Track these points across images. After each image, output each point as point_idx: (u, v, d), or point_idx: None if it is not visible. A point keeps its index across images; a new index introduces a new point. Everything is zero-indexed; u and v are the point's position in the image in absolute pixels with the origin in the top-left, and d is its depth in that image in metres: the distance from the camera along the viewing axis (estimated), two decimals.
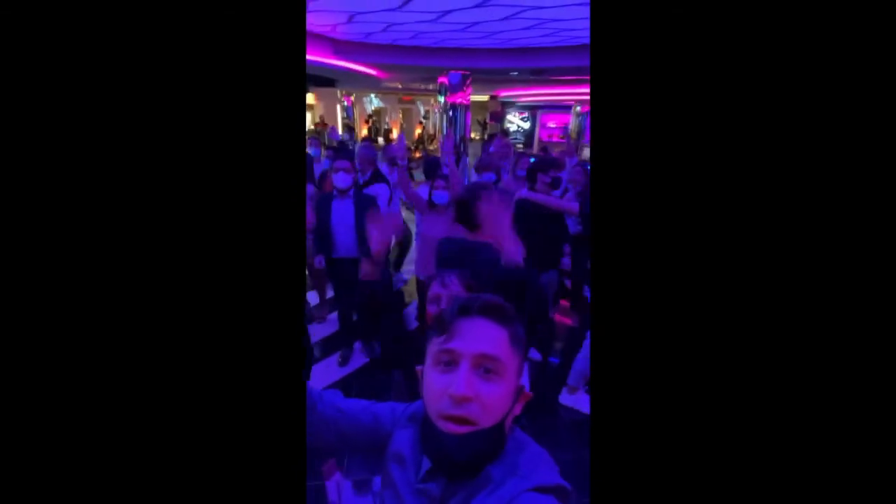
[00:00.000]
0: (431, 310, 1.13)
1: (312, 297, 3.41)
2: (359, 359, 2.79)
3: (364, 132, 11.57)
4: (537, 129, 12.08)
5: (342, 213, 2.50)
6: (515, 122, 12.29)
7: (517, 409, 0.58)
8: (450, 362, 0.55)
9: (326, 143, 5.95)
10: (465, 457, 0.54)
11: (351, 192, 2.52)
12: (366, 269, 2.14)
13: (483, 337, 0.55)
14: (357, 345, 2.85)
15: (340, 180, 2.46)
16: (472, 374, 0.53)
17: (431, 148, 11.14)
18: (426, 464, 0.58)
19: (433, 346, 0.58)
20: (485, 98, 11.10)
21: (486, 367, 0.54)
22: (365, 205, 2.48)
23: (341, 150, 3.82)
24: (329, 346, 2.94)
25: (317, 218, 2.50)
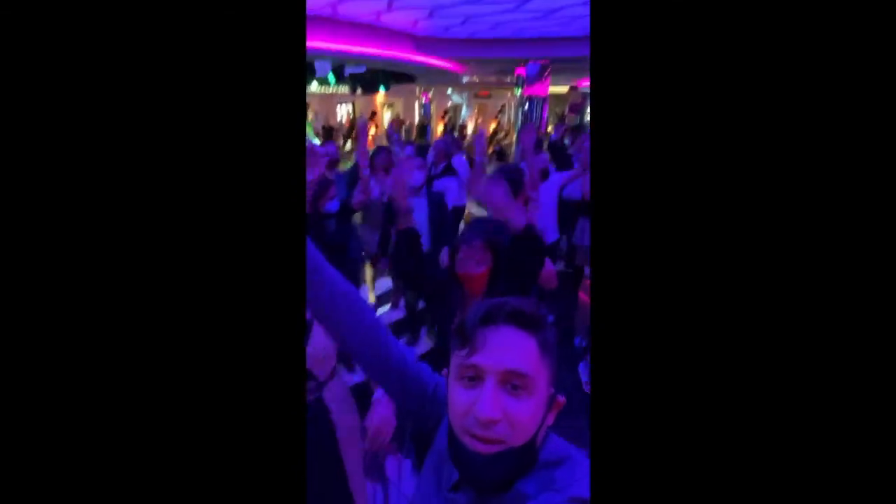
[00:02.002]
0: (459, 269, 1.17)
1: (385, 283, 3.56)
2: (424, 345, 2.86)
3: (440, 129, 11.75)
4: None
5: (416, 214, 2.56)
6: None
7: (550, 419, 0.53)
8: (474, 378, 0.50)
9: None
10: (493, 476, 0.50)
11: (423, 191, 2.57)
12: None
13: (509, 350, 0.50)
14: (423, 330, 2.92)
15: (414, 178, 2.53)
16: (498, 393, 0.49)
17: (506, 143, 10.99)
18: (455, 474, 0.55)
19: (456, 358, 0.53)
20: (565, 89, 10.67)
21: (513, 383, 0.49)
22: (436, 203, 2.52)
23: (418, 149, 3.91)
24: (396, 330, 3.04)
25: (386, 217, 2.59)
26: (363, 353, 0.68)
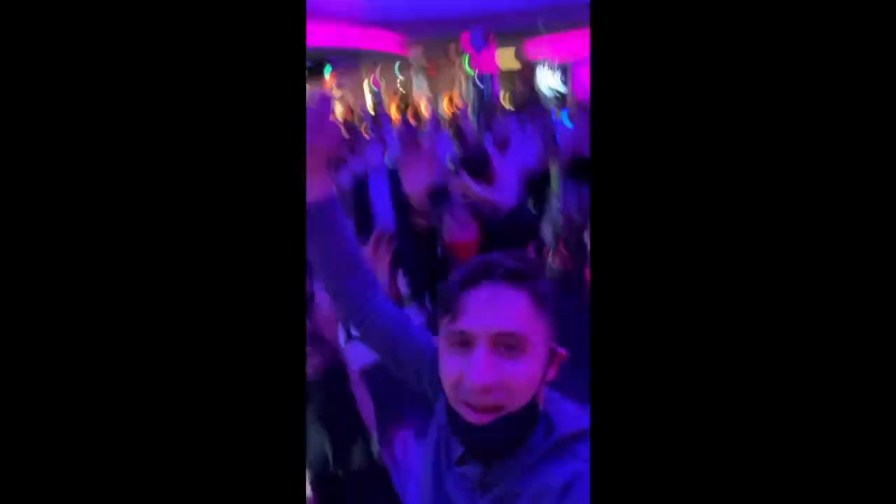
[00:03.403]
0: (447, 237, 1.21)
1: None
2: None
3: (394, 110, 11.53)
4: (571, 86, 11.48)
5: (380, 188, 2.60)
6: (548, 82, 11.73)
7: (551, 374, 0.50)
8: (463, 343, 0.47)
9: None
10: (496, 445, 0.48)
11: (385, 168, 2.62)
12: None
13: (497, 309, 0.46)
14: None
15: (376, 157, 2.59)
16: (490, 357, 0.45)
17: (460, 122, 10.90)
18: (458, 447, 0.52)
19: (443, 327, 0.49)
20: (514, 63, 10.63)
21: (506, 344, 0.45)
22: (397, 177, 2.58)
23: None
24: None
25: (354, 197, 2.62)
26: (359, 315, 0.67)
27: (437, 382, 0.61)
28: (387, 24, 5.60)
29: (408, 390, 0.68)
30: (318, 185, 0.63)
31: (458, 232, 1.19)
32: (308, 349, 0.97)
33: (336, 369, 1.03)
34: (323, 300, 1.02)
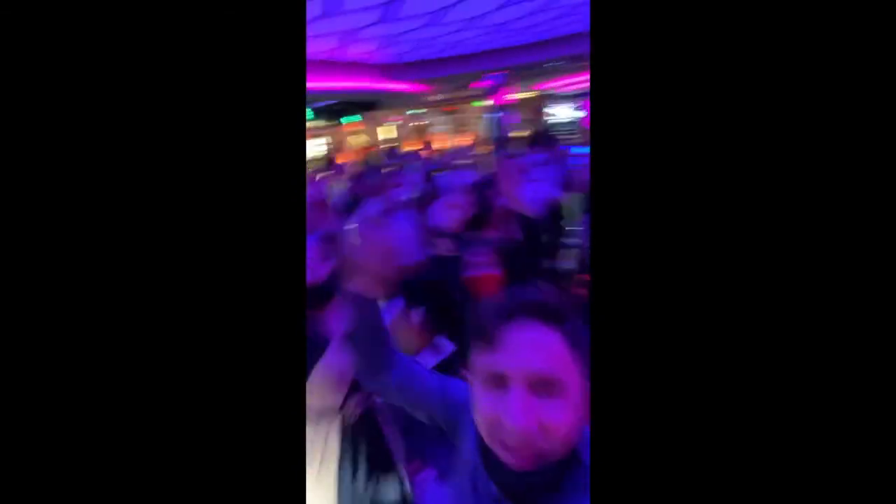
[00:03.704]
0: (469, 273, 1.22)
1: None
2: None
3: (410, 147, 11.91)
4: (586, 117, 11.66)
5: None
6: (563, 113, 11.95)
7: (588, 416, 0.47)
8: (499, 382, 0.45)
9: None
10: (536, 489, 0.45)
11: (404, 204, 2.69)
12: None
13: (533, 349, 0.44)
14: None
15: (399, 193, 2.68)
16: (528, 398, 0.43)
17: (479, 154, 11.15)
18: (493, 489, 0.49)
19: (476, 361, 0.47)
20: (529, 94, 10.93)
21: (544, 385, 0.43)
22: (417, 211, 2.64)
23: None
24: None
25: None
26: (369, 370, 0.68)
27: (452, 422, 0.61)
28: (404, 65, 5.90)
29: (430, 430, 0.67)
30: (381, 289, 0.66)
31: (482, 268, 1.21)
32: (347, 395, 1.02)
33: (370, 413, 1.06)
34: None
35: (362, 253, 0.65)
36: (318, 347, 1.02)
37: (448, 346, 1.35)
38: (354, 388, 1.03)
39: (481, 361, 0.47)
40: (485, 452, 0.48)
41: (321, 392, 1.01)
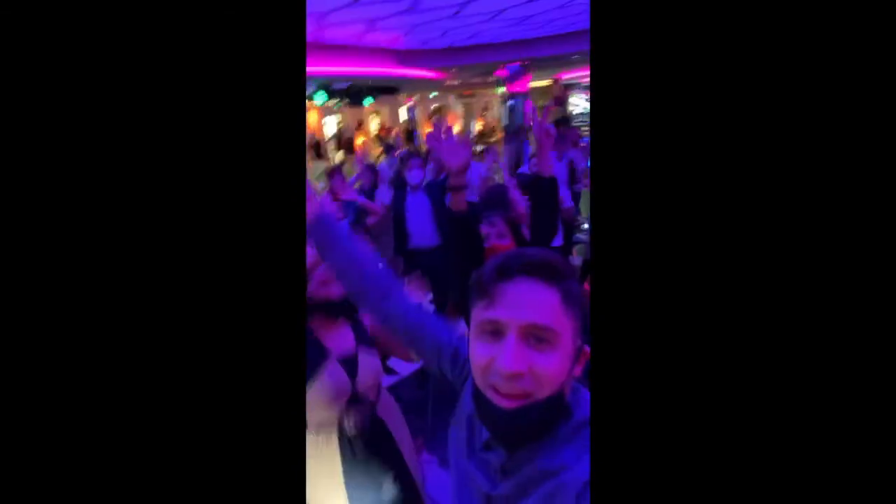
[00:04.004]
0: (484, 245, 1.28)
1: None
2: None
3: (427, 132, 11.87)
4: None
5: (417, 206, 2.78)
6: (580, 103, 11.82)
7: (577, 371, 0.51)
8: (495, 332, 0.49)
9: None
10: (521, 430, 0.50)
11: (423, 186, 2.79)
12: None
13: (529, 302, 0.48)
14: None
15: (413, 176, 2.74)
16: (521, 346, 0.47)
17: (492, 140, 11.14)
18: (485, 433, 0.55)
19: (475, 313, 0.51)
20: (547, 83, 10.81)
21: (536, 336, 0.47)
22: (436, 193, 2.73)
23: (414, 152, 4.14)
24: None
25: (392, 214, 2.80)
26: (363, 295, 0.73)
27: (459, 374, 0.66)
28: (423, 52, 5.90)
29: (429, 417, 0.76)
30: (316, 205, 0.75)
31: (495, 239, 1.28)
32: (349, 408, 1.05)
33: (372, 425, 1.10)
34: (366, 364, 1.10)
35: None
36: (317, 361, 1.03)
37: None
38: (353, 401, 1.05)
39: (480, 314, 0.50)
40: (479, 401, 0.51)
41: (319, 407, 1.02)
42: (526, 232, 1.36)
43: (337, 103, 7.68)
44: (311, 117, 11.12)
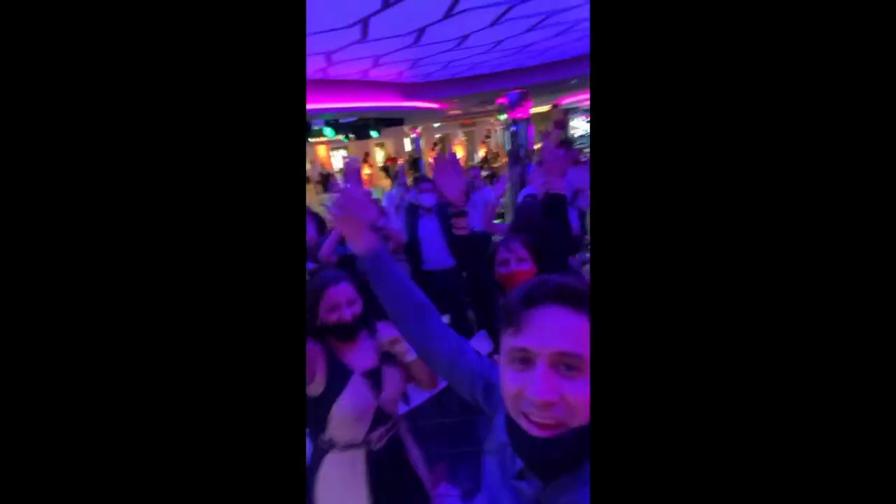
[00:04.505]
0: (502, 270, 1.28)
1: None
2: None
3: (431, 159, 12.13)
4: None
5: (430, 229, 2.79)
6: (581, 126, 12.04)
7: None
8: (524, 360, 0.49)
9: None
10: (555, 459, 0.49)
11: (435, 209, 2.82)
12: None
13: (557, 329, 0.48)
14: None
15: (426, 199, 2.77)
16: (551, 374, 0.47)
17: (496, 166, 11.32)
18: (518, 461, 0.54)
19: (504, 341, 0.52)
20: (547, 108, 11.07)
21: (566, 363, 0.47)
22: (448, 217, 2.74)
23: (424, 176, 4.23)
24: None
25: (406, 237, 2.85)
26: (411, 333, 0.73)
27: (492, 403, 0.65)
28: (426, 85, 6.10)
29: (454, 449, 0.75)
30: (365, 240, 0.76)
31: (515, 264, 1.27)
32: (372, 422, 1.06)
33: (395, 440, 1.11)
34: (391, 376, 1.11)
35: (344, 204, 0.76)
36: (342, 380, 1.04)
37: (487, 344, 1.44)
38: (378, 421, 1.06)
39: (509, 342, 0.51)
40: (512, 430, 0.51)
41: (343, 425, 1.03)
42: (545, 251, 1.37)
43: (344, 137, 7.90)
44: (321, 151, 11.42)
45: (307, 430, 1.48)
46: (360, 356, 1.09)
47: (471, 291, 1.53)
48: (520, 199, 3.02)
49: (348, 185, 0.80)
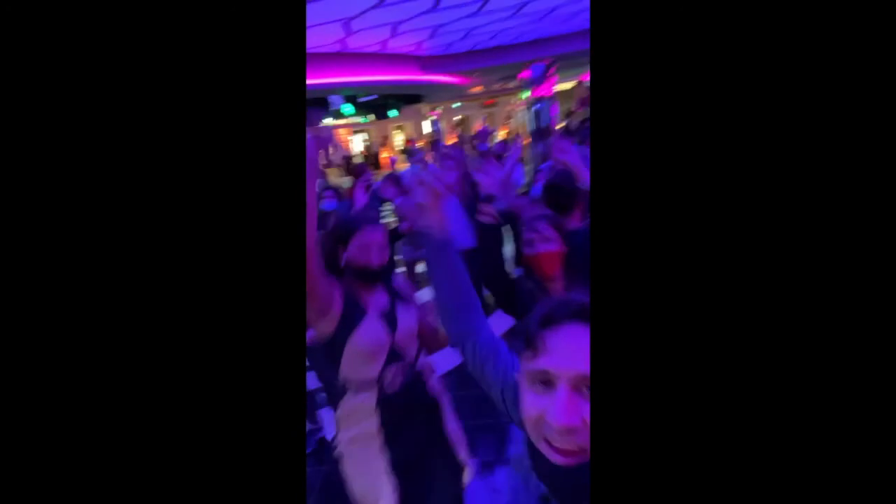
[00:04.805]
0: (527, 252, 1.23)
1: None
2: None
3: (453, 140, 11.99)
4: None
5: (452, 208, 2.72)
6: None
7: None
8: (545, 382, 0.46)
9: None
10: (580, 488, 0.46)
11: (456, 188, 2.74)
12: None
13: (578, 351, 0.45)
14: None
15: (448, 179, 2.72)
16: (573, 398, 0.45)
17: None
18: (542, 487, 0.52)
19: (524, 363, 0.49)
20: (571, 85, 10.71)
21: (588, 386, 0.45)
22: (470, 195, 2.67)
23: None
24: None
25: None
26: (457, 329, 0.71)
27: (518, 410, 0.62)
28: (446, 57, 5.92)
29: (475, 421, 0.71)
30: (441, 225, 0.74)
31: (542, 244, 1.20)
32: (388, 364, 1.05)
33: (412, 384, 1.09)
34: (406, 317, 1.10)
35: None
36: (356, 317, 1.04)
37: (506, 321, 1.37)
38: (393, 356, 1.05)
39: (528, 364, 0.48)
40: (533, 453, 0.49)
41: (357, 361, 1.02)
42: (573, 229, 1.29)
43: (363, 117, 7.83)
44: (343, 134, 11.45)
45: (316, 374, 1.47)
46: (376, 299, 1.09)
47: (487, 273, 1.47)
48: (542, 172, 2.88)
49: (431, 167, 0.77)
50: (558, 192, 1.57)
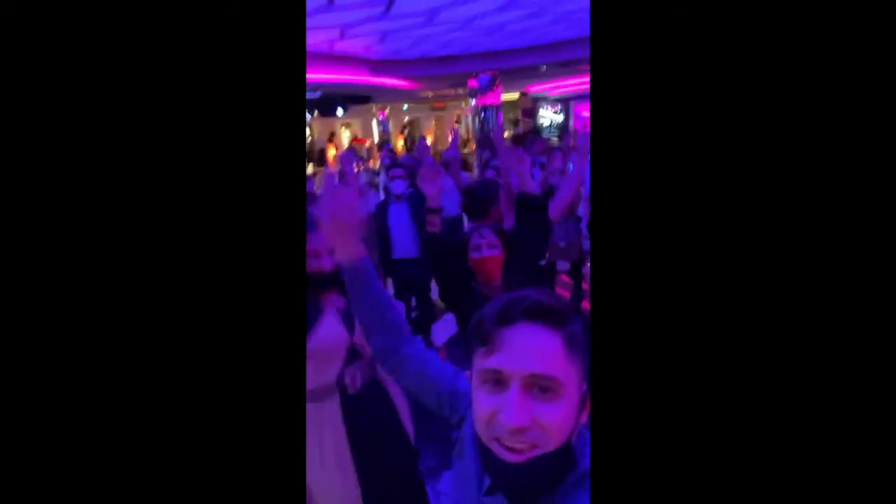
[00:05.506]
0: (474, 255, 1.34)
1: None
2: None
3: (400, 144, 11.92)
4: (571, 120, 11.91)
5: (400, 217, 2.71)
6: (548, 116, 12.17)
7: (584, 417, 0.49)
8: (497, 381, 0.46)
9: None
10: (528, 484, 0.47)
11: (406, 197, 2.73)
12: None
13: (532, 350, 0.45)
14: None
15: (396, 186, 2.68)
16: (524, 398, 0.45)
17: (465, 151, 11.28)
18: (487, 479, 0.52)
19: (476, 361, 0.49)
20: (516, 96, 11.08)
21: (540, 386, 0.45)
22: (418, 204, 2.67)
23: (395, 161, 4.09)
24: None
25: (376, 223, 2.74)
26: (382, 347, 0.72)
27: (458, 413, 0.63)
28: (395, 63, 5.92)
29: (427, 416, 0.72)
30: (350, 249, 0.72)
31: (487, 250, 1.31)
32: (348, 363, 1.05)
33: (373, 383, 1.10)
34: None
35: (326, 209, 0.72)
36: (314, 317, 1.03)
37: (453, 326, 1.46)
38: (352, 356, 1.05)
39: (481, 362, 0.48)
40: (483, 452, 0.50)
41: (316, 362, 1.00)
42: (513, 238, 1.41)
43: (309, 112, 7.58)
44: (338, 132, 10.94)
45: None
46: (334, 298, 1.09)
47: (440, 279, 1.56)
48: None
49: (334, 186, 0.75)
50: (472, 197, 1.70)
